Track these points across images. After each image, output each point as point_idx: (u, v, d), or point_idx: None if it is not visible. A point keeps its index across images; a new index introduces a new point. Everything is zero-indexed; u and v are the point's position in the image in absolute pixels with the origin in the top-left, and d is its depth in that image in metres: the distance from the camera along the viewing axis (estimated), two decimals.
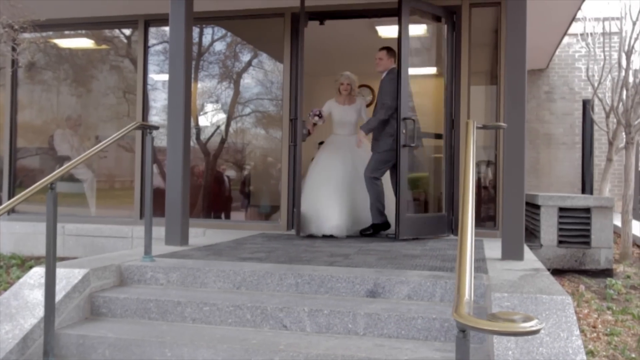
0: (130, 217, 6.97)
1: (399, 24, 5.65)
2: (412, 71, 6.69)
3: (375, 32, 7.45)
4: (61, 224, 6.47)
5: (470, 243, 2.12)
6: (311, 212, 5.89)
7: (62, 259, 5.24)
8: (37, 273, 3.45)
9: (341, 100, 6.41)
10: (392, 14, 5.99)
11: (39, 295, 3.26)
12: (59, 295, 3.22)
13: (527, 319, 1.60)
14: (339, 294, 3.46)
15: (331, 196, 5.96)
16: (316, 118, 6.22)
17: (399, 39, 5.61)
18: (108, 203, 7.50)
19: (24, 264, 6.23)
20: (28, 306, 3.25)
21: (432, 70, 6.92)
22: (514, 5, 4.22)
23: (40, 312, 3.15)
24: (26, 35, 6.19)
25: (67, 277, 3.41)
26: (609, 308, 4.63)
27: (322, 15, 6.53)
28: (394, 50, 5.79)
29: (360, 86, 8.12)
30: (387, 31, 7.09)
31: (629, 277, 5.81)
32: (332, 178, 6.10)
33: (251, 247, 4.84)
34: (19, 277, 5.13)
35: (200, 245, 4.94)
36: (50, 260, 3.01)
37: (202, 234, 6.29)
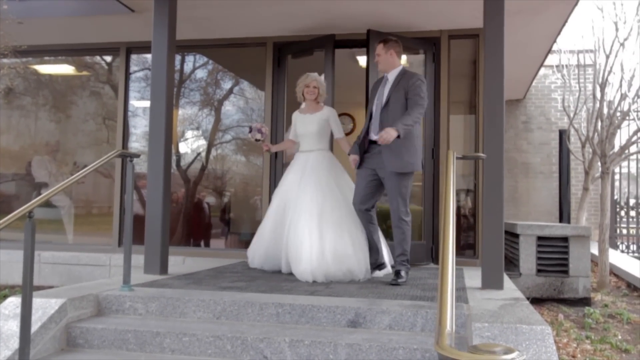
0: (109, 244, 6.88)
1: (367, 54, 5.81)
2: None
3: (357, 61, 7.55)
4: (37, 251, 6.30)
5: (451, 274, 2.13)
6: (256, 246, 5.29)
7: (38, 287, 5.14)
8: (12, 303, 3.39)
9: (304, 108, 5.27)
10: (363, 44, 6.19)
11: (13, 326, 3.19)
12: (34, 326, 3.15)
13: (508, 351, 1.60)
14: (320, 323, 3.44)
15: (275, 230, 5.07)
16: (258, 135, 5.22)
17: (367, 69, 5.75)
18: (85, 230, 7.40)
19: None
20: (2, 337, 3.18)
21: None
22: (491, 38, 4.31)
23: (15, 343, 3.08)
24: (5, 60, 6.16)
25: (44, 307, 3.35)
26: (587, 337, 4.66)
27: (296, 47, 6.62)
28: (393, 40, 4.70)
29: (341, 115, 8.14)
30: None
31: (606, 305, 5.87)
32: (278, 207, 5.14)
33: (231, 275, 4.80)
34: None
35: (179, 273, 4.89)
36: (27, 291, 2.95)
37: (181, 262, 6.23)
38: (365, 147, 4.64)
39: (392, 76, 4.63)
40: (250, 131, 5.27)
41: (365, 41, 6.15)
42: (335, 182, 4.95)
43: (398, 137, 4.23)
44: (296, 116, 5.28)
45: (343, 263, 4.54)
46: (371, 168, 4.58)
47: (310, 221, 4.68)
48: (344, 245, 4.60)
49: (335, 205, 4.78)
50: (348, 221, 4.73)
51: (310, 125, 5.12)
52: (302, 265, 4.54)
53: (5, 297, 5.54)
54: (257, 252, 5.24)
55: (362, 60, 7.55)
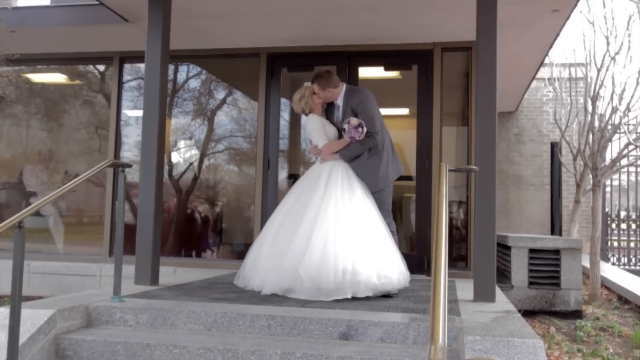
0: (100, 254, 6.84)
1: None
2: (384, 112, 6.81)
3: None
4: (27, 261, 6.29)
5: (443, 288, 2.12)
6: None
7: (27, 298, 5.09)
8: (1, 314, 3.34)
9: (318, 114, 4.86)
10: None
11: (1, 337, 3.15)
12: (22, 338, 3.11)
13: None
14: (311, 336, 3.42)
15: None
16: (356, 134, 4.54)
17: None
18: (76, 239, 7.34)
19: None
20: None
21: (404, 111, 7.04)
22: (484, 50, 4.34)
23: (2, 355, 3.04)
24: None
25: (32, 318, 3.31)
26: (579, 350, 4.66)
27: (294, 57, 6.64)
28: (323, 78, 4.66)
29: None
30: (365, 72, 7.05)
31: (598, 318, 5.87)
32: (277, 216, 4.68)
33: (223, 286, 4.77)
34: None
35: (170, 284, 4.85)
36: (16, 301, 2.92)
37: (172, 272, 6.19)
38: None
39: (340, 101, 4.73)
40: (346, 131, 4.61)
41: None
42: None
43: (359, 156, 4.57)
44: (323, 120, 4.82)
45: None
46: None
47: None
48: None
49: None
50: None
51: (330, 128, 4.83)
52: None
53: None
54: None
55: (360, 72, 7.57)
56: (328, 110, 4.89)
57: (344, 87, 4.75)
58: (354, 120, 4.50)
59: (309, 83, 4.84)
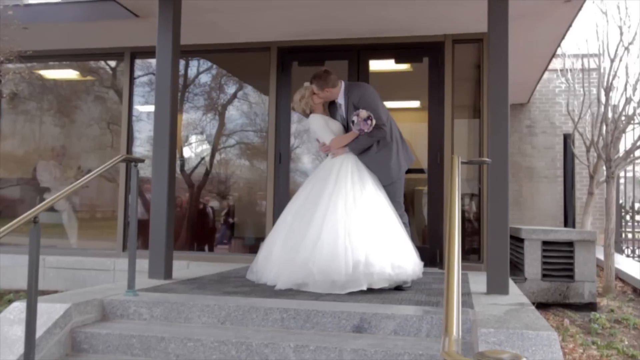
0: (113, 249, 6.88)
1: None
2: (396, 105, 6.80)
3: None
4: (42, 256, 6.29)
5: (457, 280, 2.12)
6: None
7: (43, 292, 5.14)
8: (17, 308, 3.38)
9: (320, 113, 4.86)
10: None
11: (18, 331, 3.19)
12: (39, 331, 3.15)
13: (516, 357, 1.59)
14: (325, 329, 3.43)
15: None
16: (365, 126, 4.47)
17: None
18: (89, 234, 7.40)
19: (2, 297, 6.10)
20: (7, 342, 3.17)
21: (416, 104, 7.01)
22: (496, 42, 4.30)
23: (19, 348, 3.07)
24: (10, 66, 6.18)
25: (48, 312, 3.35)
26: (594, 343, 4.64)
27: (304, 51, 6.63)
28: (321, 78, 4.64)
29: None
30: (376, 65, 6.84)
31: (612, 311, 5.84)
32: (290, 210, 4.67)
33: (236, 280, 4.79)
34: None
35: (184, 278, 4.88)
36: (32, 296, 2.95)
37: (185, 266, 6.23)
38: None
39: (341, 99, 4.72)
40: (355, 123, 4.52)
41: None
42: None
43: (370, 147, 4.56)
44: (325, 118, 4.81)
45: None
46: None
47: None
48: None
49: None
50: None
51: (334, 124, 4.82)
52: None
53: (9, 301, 5.55)
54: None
55: (371, 65, 7.54)
56: (330, 110, 4.88)
57: (342, 84, 4.71)
58: (363, 113, 4.44)
59: (309, 83, 4.82)
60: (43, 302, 3.39)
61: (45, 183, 7.42)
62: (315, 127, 4.79)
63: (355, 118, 4.49)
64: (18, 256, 6.53)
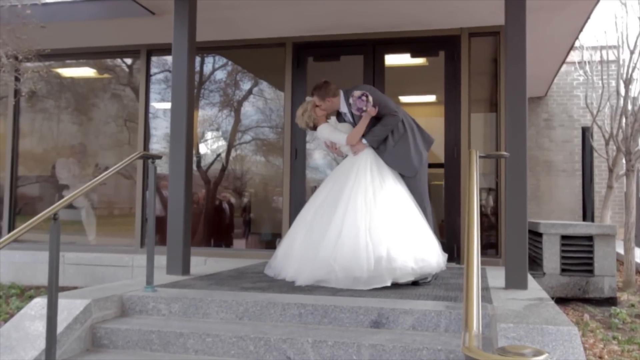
0: (131, 245, 6.94)
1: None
2: (412, 99, 6.77)
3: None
4: (61, 252, 6.36)
5: (476, 275, 2.10)
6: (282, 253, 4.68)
7: (63, 288, 5.19)
8: (38, 304, 3.42)
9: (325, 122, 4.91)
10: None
11: (39, 326, 3.23)
12: (60, 327, 3.18)
13: (538, 353, 1.57)
14: (342, 324, 3.43)
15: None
16: (364, 105, 4.47)
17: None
18: (107, 230, 7.47)
19: (24, 293, 6.18)
20: (29, 338, 3.21)
21: (432, 98, 6.97)
22: (513, 35, 4.26)
23: (41, 343, 3.11)
24: (29, 64, 6.24)
25: (69, 308, 3.38)
26: (614, 338, 4.59)
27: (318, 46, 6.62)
28: (321, 89, 4.72)
29: None
30: (392, 59, 6.78)
31: (633, 305, 5.77)
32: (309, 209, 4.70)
33: (253, 276, 4.81)
34: (18, 308, 5.09)
35: (201, 274, 4.91)
36: (53, 292, 2.98)
37: (203, 262, 6.26)
38: None
39: (343, 107, 4.75)
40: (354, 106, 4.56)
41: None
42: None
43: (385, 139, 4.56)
44: (332, 124, 4.89)
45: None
46: None
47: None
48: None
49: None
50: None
51: (342, 127, 4.86)
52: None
53: (30, 297, 5.62)
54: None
55: (387, 59, 7.51)
56: (338, 117, 4.92)
57: (341, 93, 4.73)
58: (357, 92, 4.45)
59: (310, 97, 4.85)
60: (63, 298, 3.42)
61: (64, 180, 7.49)
62: (327, 134, 4.82)
63: (351, 100, 4.50)
64: (38, 253, 6.62)
